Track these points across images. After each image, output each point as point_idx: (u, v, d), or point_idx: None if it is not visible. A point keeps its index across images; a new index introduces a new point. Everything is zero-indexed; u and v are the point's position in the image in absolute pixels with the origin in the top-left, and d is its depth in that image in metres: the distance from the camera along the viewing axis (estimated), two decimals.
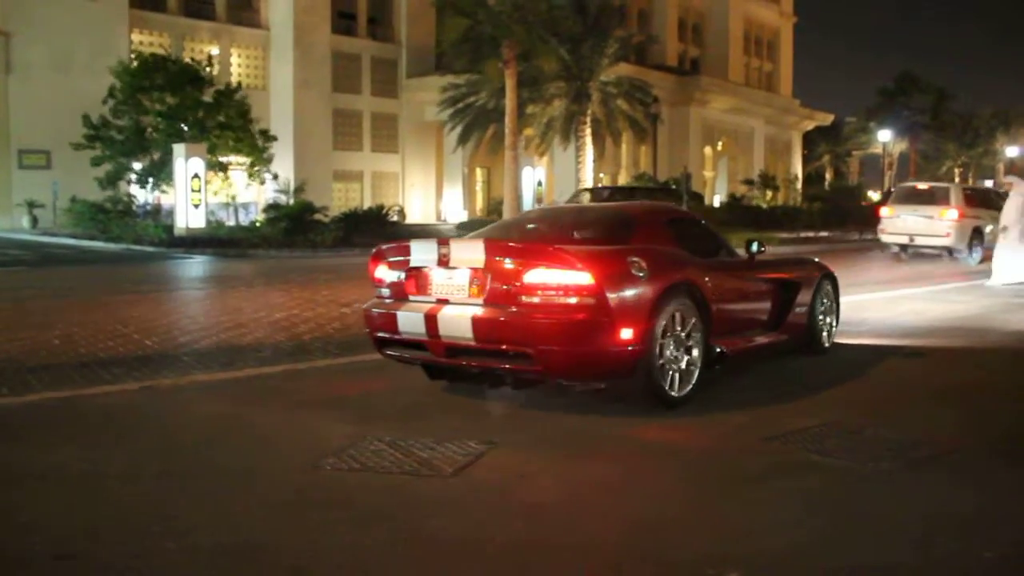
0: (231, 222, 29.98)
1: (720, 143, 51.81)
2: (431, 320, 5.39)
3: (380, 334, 5.85)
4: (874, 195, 55.30)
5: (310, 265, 19.59)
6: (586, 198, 24.07)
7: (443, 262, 5.46)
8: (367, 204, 36.23)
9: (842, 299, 8.31)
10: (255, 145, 30.21)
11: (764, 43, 63.56)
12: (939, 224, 19.10)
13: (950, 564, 3.31)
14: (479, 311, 5.26)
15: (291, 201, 28.95)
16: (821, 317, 7.66)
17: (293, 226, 25.39)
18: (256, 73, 42.42)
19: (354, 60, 44.64)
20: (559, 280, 5.10)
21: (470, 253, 5.37)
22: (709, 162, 51.78)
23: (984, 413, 5.74)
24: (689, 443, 4.94)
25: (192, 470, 4.40)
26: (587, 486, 4.21)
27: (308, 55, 41.68)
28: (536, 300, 5.13)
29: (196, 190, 26.42)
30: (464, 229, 22.90)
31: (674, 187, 38.69)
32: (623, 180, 43.41)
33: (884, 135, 50.90)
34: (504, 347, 5.22)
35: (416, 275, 5.65)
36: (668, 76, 47.05)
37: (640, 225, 6.31)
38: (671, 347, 5.48)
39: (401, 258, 5.74)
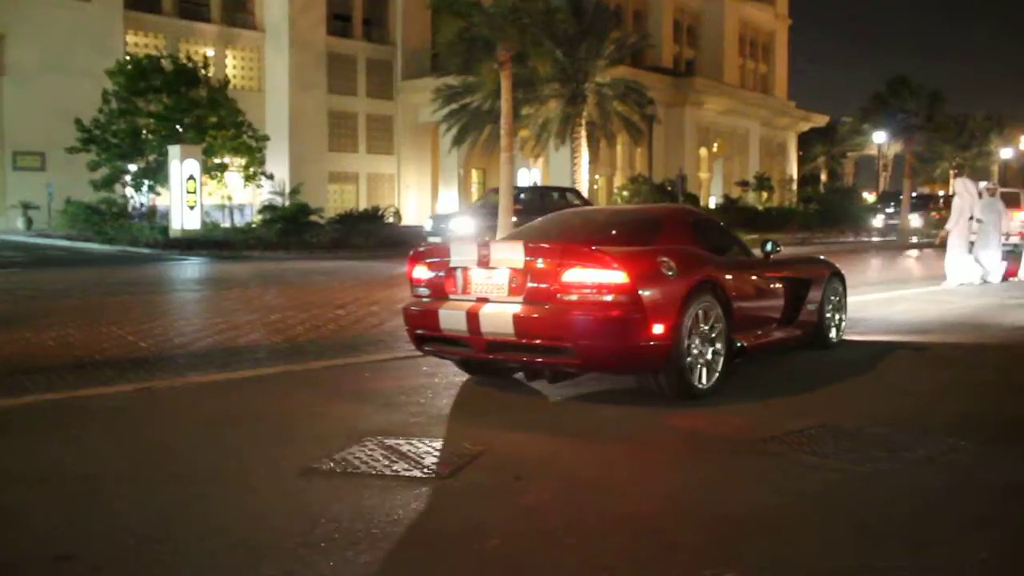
0: (226, 224, 29.95)
1: (715, 145, 51.89)
2: (473, 317, 5.64)
3: (420, 331, 6.12)
4: (869, 196, 55.38)
5: (306, 267, 19.57)
6: (493, 196, 24.20)
7: (483, 262, 5.73)
8: (363, 206, 36.23)
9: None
10: (249, 145, 30.18)
11: (759, 45, 63.69)
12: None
13: (945, 567, 3.31)
14: (519, 308, 5.52)
15: (287, 203, 28.93)
16: (830, 313, 7.98)
17: (289, 228, 25.39)
18: (251, 75, 42.43)
19: (349, 62, 44.66)
20: (595, 279, 5.40)
21: (509, 254, 5.65)
22: (704, 164, 51.87)
23: (981, 413, 5.74)
24: (684, 447, 4.94)
25: (187, 472, 4.39)
26: (584, 484, 4.20)
27: (303, 57, 41.69)
28: (574, 298, 5.43)
29: (191, 192, 26.40)
30: (440, 221, 22.97)
31: (671, 187, 38.78)
32: (619, 181, 43.50)
33: (879, 137, 50.98)
34: (544, 342, 5.49)
35: (456, 275, 5.91)
36: (663, 78, 47.14)
37: (666, 226, 6.64)
38: (697, 341, 5.78)
39: (440, 259, 6.01)
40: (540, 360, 5.64)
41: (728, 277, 6.28)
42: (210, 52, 39.12)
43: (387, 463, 4.44)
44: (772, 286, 7.13)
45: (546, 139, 30.68)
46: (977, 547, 3.47)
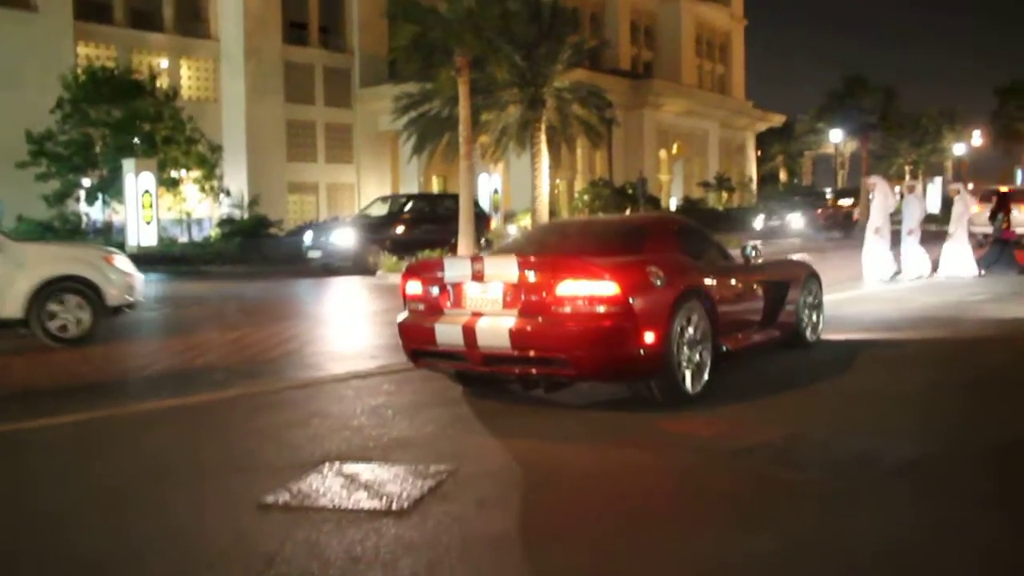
0: (184, 238, 29.44)
1: (675, 146, 52.11)
2: (469, 331, 5.71)
3: (416, 346, 6.18)
4: (828, 194, 55.92)
5: (265, 282, 19.24)
6: (377, 205, 23.81)
7: (477, 277, 5.78)
8: (322, 216, 35.85)
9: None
10: (203, 157, 29.67)
11: (716, 46, 64.12)
12: None
13: None
14: (514, 321, 5.61)
15: (245, 215, 28.49)
16: (806, 314, 8.17)
17: (247, 241, 24.99)
18: (207, 85, 41.82)
19: (306, 70, 44.17)
20: (588, 290, 5.52)
21: (503, 268, 5.72)
22: (665, 166, 52.05)
23: (951, 417, 5.70)
24: (657, 462, 4.82)
25: (133, 509, 4.17)
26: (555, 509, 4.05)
27: (259, 66, 41.13)
28: (567, 309, 5.55)
29: (147, 207, 25.86)
30: (320, 234, 21.87)
31: (631, 191, 38.90)
32: (580, 185, 43.50)
33: (836, 135, 51.58)
34: (539, 354, 5.58)
35: (450, 290, 5.96)
36: (622, 80, 47.22)
37: (652, 235, 6.84)
38: (686, 347, 5.89)
39: (434, 274, 6.07)
40: (536, 371, 5.74)
41: (712, 283, 6.46)
42: (164, 63, 38.51)
43: (346, 494, 4.26)
44: (752, 289, 7.27)
45: (506, 144, 30.51)
46: (948, 564, 3.37)
